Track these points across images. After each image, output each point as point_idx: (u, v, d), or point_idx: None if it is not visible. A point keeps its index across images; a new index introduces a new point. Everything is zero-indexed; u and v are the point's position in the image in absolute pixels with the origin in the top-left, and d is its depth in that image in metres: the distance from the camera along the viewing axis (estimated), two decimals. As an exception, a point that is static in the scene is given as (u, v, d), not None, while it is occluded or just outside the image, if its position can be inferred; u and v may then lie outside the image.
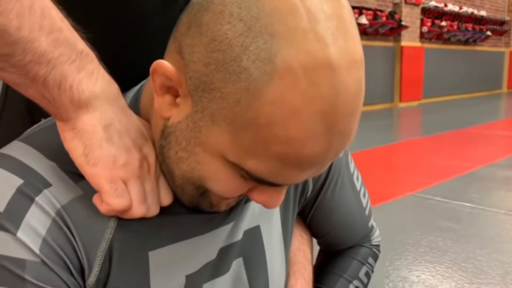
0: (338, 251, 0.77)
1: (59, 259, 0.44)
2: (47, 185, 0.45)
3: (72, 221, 0.45)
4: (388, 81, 8.83)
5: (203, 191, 0.48)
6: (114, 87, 0.48)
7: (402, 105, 9.01)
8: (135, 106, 0.52)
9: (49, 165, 0.46)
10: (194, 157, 0.45)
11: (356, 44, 0.41)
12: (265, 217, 0.61)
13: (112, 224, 0.47)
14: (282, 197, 0.48)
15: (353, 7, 7.76)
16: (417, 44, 9.28)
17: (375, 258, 0.78)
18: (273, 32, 0.37)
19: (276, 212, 0.62)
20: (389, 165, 4.32)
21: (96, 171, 0.45)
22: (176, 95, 0.45)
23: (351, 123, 0.41)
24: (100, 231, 0.47)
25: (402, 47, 8.85)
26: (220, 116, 0.41)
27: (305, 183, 0.65)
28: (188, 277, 0.52)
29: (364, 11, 7.87)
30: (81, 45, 0.45)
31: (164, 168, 0.49)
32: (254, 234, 0.60)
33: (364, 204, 0.75)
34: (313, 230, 0.74)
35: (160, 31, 0.53)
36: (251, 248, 0.59)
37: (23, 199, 0.44)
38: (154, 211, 0.48)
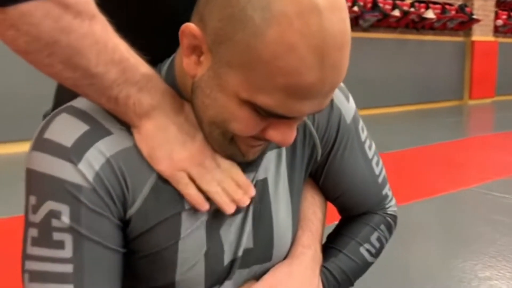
0: (352, 217, 0.81)
1: (106, 189, 0.55)
2: (109, 133, 0.57)
3: (124, 163, 0.56)
4: (457, 78, 8.49)
5: (230, 138, 0.57)
6: (169, 95, 0.59)
7: (472, 102, 8.63)
8: (170, 74, 0.62)
9: (112, 119, 0.58)
10: (217, 102, 0.54)
11: None
12: (273, 171, 0.68)
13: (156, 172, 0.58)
14: (293, 134, 0.56)
15: (420, 1, 7.57)
16: (490, 38, 8.84)
17: (388, 226, 0.80)
18: None
19: (283, 169, 0.69)
20: (452, 160, 4.22)
21: (161, 168, 0.57)
22: (199, 55, 0.54)
23: (340, 57, 0.49)
24: (148, 173, 0.58)
25: (473, 42, 8.48)
26: (234, 61, 0.50)
27: (314, 147, 0.71)
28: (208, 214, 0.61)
29: (431, 5, 7.64)
30: (143, 68, 0.57)
31: (198, 121, 0.59)
32: (262, 185, 0.66)
33: (377, 172, 0.78)
34: (326, 193, 0.78)
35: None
36: (258, 199, 0.66)
37: (86, 141, 0.55)
38: (220, 178, 0.59)
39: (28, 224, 0.56)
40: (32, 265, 0.55)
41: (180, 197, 0.59)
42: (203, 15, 0.53)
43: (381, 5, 6.81)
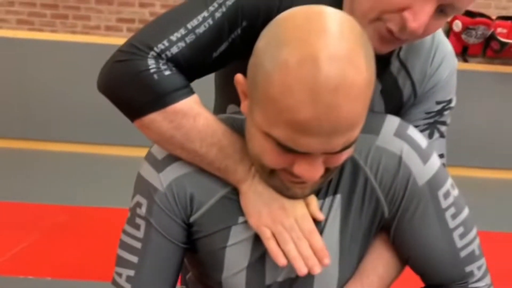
0: (430, 286, 0.80)
1: (173, 196, 0.73)
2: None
3: (195, 180, 0.74)
4: None
5: (269, 171, 0.66)
6: (252, 165, 0.71)
7: None
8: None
9: None
10: (252, 136, 0.65)
11: (342, 43, 0.56)
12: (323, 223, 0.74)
13: (222, 192, 0.75)
14: (315, 170, 0.62)
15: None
16: None
17: None
18: (283, 42, 0.58)
19: (335, 223, 0.75)
20: None
21: (251, 221, 0.72)
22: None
23: (335, 98, 0.55)
24: (215, 192, 0.75)
25: None
26: (257, 100, 0.61)
27: (378, 202, 0.75)
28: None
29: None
30: (236, 144, 0.72)
31: None
32: None
33: (459, 245, 0.75)
34: (398, 253, 0.78)
35: None
36: None
37: (172, 158, 0.74)
38: (297, 238, 0.70)
39: (129, 208, 0.78)
40: (123, 237, 0.77)
41: (235, 214, 0.75)
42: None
43: None
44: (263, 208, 0.71)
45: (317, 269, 0.70)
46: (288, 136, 0.59)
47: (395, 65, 0.82)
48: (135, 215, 0.76)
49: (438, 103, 0.84)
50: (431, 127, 0.85)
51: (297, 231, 0.71)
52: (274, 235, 0.71)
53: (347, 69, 0.56)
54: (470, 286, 0.77)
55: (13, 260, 1.72)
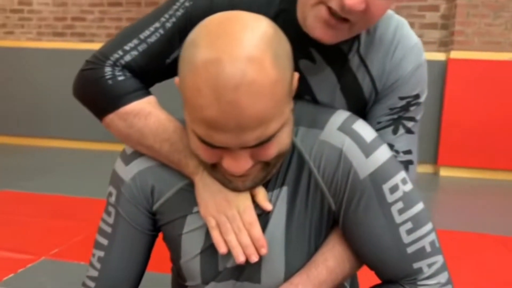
0: (383, 283, 0.80)
1: (136, 187, 0.82)
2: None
3: (156, 172, 0.81)
4: None
5: (210, 165, 0.71)
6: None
7: None
8: None
9: None
10: (189, 135, 0.70)
11: (247, 46, 0.60)
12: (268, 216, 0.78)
13: (180, 184, 0.81)
14: (239, 164, 0.66)
15: None
16: None
17: None
18: (196, 46, 0.63)
19: (281, 214, 0.78)
20: None
21: (200, 210, 0.77)
22: None
23: (237, 96, 0.59)
24: (173, 184, 0.81)
25: None
26: (183, 100, 0.65)
27: (322, 194, 0.77)
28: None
29: None
30: (185, 140, 0.77)
31: None
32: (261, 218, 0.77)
33: (406, 241, 0.74)
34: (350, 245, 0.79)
35: None
36: None
37: (138, 153, 0.83)
38: (238, 229, 0.75)
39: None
40: (100, 223, 0.88)
41: (190, 204, 0.80)
42: None
43: None
44: (209, 199, 0.76)
45: (254, 258, 0.74)
46: (204, 132, 0.64)
47: (354, 62, 0.82)
48: (108, 204, 0.86)
49: (401, 98, 0.83)
50: (395, 123, 0.83)
51: (238, 221, 0.75)
52: (218, 225, 0.76)
53: (248, 68, 0.60)
54: (419, 283, 0.76)
55: (73, 247, 1.92)
